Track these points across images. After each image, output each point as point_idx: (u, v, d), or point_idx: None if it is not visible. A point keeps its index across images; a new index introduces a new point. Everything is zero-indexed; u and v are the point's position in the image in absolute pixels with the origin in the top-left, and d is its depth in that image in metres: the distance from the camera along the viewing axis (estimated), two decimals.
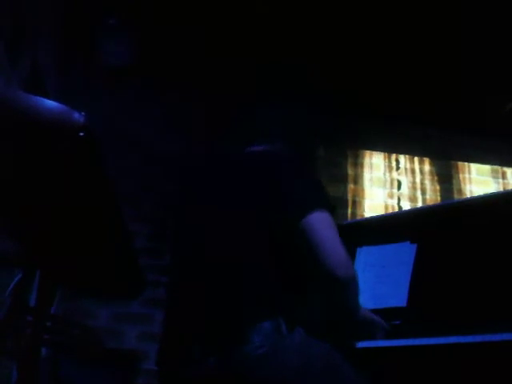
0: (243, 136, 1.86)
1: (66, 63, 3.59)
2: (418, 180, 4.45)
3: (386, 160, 4.46)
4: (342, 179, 4.27)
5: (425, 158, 4.53)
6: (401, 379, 1.76)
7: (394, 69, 3.84)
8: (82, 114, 0.89)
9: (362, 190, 4.30)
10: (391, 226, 2.24)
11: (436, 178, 4.49)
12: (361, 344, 1.73)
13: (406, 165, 4.48)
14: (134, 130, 3.74)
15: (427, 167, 4.51)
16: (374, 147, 4.45)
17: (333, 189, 4.14)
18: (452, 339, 1.63)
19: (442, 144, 4.55)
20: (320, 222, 1.53)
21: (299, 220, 1.52)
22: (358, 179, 4.32)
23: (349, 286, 1.55)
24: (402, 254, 2.05)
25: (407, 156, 4.50)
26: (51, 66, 3.22)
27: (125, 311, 3.52)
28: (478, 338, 1.58)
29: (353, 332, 1.74)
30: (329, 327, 1.74)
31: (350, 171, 4.33)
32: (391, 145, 4.48)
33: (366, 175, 4.36)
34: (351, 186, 4.28)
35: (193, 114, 3.90)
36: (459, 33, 3.52)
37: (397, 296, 1.96)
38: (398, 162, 4.47)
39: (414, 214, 2.46)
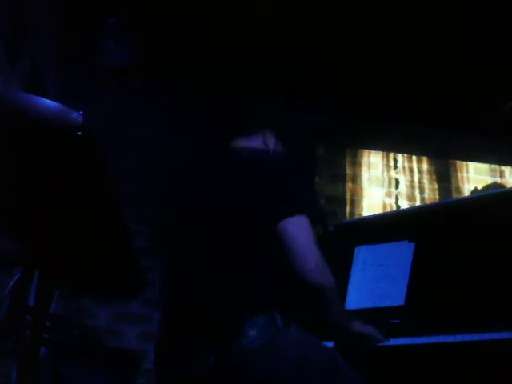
0: (243, 136, 1.86)
1: (66, 63, 3.59)
2: (416, 179, 4.44)
3: (384, 159, 4.45)
4: (341, 178, 4.27)
5: (423, 157, 4.52)
6: (399, 378, 1.76)
7: (393, 68, 3.84)
8: (80, 113, 0.89)
9: (361, 188, 4.30)
10: (389, 225, 2.25)
11: (434, 176, 4.48)
12: None
13: (404, 164, 4.47)
14: (134, 130, 3.73)
15: (425, 166, 4.50)
16: (374, 147, 4.44)
17: (331, 188, 4.14)
18: (450, 338, 1.64)
19: (442, 143, 4.54)
20: (294, 227, 1.54)
21: (276, 223, 1.53)
22: (356, 178, 4.31)
23: (323, 292, 1.54)
24: (401, 253, 2.05)
25: (405, 155, 4.49)
26: (51, 66, 3.22)
27: (125, 311, 3.52)
28: (476, 337, 1.59)
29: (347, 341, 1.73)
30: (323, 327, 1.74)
31: (349, 170, 4.32)
32: (391, 144, 4.47)
33: (365, 174, 4.35)
34: (349, 184, 4.27)
35: (193, 114, 3.90)
36: (459, 32, 3.52)
37: (395, 295, 1.96)
38: (396, 160, 4.46)
39: (413, 213, 2.46)
